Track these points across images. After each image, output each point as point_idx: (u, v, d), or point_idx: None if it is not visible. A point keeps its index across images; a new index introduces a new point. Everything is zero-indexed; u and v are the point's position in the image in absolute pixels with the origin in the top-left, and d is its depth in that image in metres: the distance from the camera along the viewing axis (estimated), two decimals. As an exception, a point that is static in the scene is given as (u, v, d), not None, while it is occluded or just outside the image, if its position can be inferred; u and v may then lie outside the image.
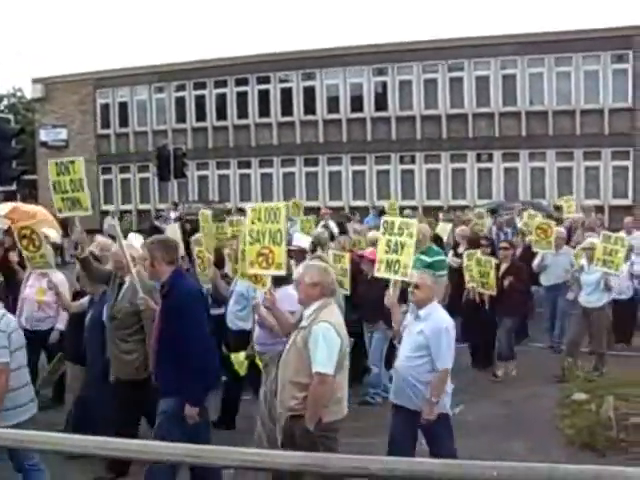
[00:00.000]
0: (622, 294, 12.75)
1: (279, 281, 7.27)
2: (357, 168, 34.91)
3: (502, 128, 32.54)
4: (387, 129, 34.26)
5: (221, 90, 37.04)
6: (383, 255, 7.38)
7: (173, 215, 20.62)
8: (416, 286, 6.89)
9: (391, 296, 7.26)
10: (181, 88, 37.94)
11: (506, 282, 11.38)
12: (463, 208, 24.91)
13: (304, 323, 5.92)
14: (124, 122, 39.25)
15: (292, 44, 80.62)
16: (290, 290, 7.00)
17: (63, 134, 40.08)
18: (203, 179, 37.68)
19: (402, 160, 34.28)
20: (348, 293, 10.16)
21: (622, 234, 12.45)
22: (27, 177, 30.23)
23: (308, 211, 20.44)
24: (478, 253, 11.89)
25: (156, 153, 29.54)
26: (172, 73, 37.40)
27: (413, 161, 34.07)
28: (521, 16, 66.26)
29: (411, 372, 6.68)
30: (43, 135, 40.40)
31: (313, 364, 5.68)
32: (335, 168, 35.22)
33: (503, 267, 11.68)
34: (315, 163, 35.61)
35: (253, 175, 36.77)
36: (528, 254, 13.47)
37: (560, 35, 31.04)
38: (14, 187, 17.20)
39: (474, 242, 13.02)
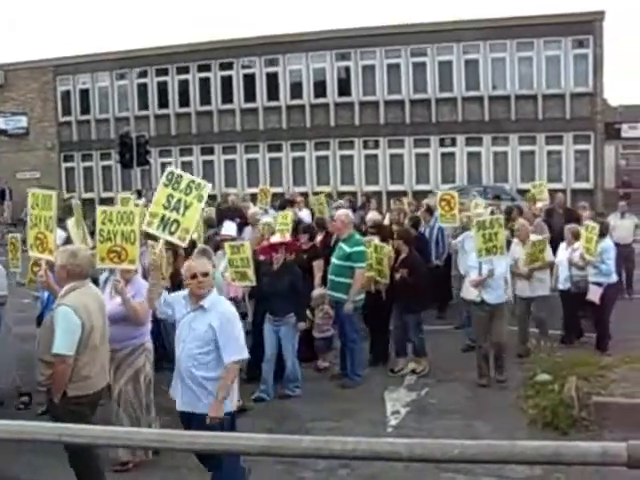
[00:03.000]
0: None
1: None
2: (321, 153, 34.94)
3: (465, 113, 32.75)
4: (350, 114, 34.31)
5: (183, 77, 36.80)
6: (160, 209, 6.49)
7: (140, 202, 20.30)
8: (204, 274, 6.17)
9: (157, 254, 6.53)
10: (143, 75, 37.64)
11: (397, 275, 10.50)
12: (427, 193, 25.02)
13: (55, 305, 6.19)
14: (86, 109, 38.88)
15: (254, 30, 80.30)
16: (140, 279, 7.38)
17: (23, 122, 39.65)
18: (166, 166, 37.38)
19: (365, 145, 34.37)
20: (254, 284, 9.68)
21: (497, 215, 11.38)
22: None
23: (274, 197, 20.34)
24: (375, 240, 10.92)
25: (118, 140, 29.36)
26: (134, 59, 37.09)
27: (377, 146, 34.19)
28: (483, 1, 66.55)
29: (201, 371, 6.03)
30: (2, 123, 39.94)
31: (54, 345, 5.95)
32: (299, 154, 35.22)
33: (400, 257, 10.69)
34: (279, 149, 35.56)
35: (216, 162, 36.63)
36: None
37: (522, 20, 31.31)
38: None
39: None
